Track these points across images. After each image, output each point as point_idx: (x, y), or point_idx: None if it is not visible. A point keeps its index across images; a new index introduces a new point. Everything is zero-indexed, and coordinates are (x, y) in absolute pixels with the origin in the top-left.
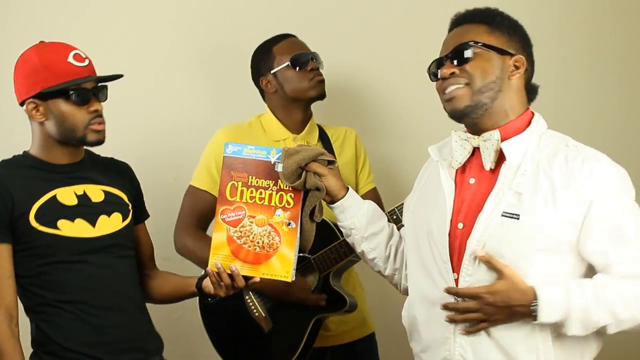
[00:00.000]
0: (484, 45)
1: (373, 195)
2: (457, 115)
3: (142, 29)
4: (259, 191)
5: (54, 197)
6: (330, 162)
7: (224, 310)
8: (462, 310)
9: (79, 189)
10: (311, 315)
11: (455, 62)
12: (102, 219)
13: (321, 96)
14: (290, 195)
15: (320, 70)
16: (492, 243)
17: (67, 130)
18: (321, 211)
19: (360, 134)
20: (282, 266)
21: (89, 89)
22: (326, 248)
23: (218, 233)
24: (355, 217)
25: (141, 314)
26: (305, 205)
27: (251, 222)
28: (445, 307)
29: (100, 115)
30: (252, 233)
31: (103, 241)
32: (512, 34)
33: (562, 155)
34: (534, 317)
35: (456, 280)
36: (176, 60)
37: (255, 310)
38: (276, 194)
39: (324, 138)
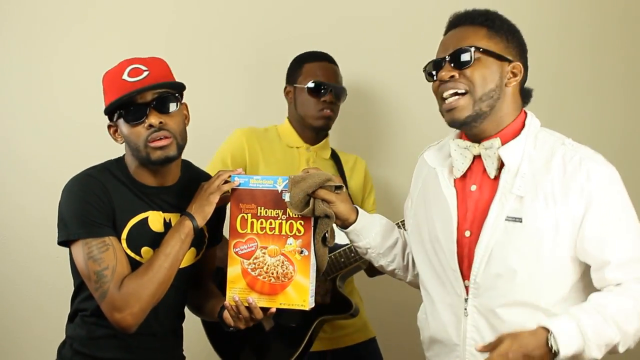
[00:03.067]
0: (484, 50)
1: None
2: (456, 125)
3: (160, 31)
4: (268, 221)
5: (146, 219)
6: (338, 187)
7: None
8: None
9: (167, 216)
10: (315, 315)
11: (454, 65)
12: None
13: (323, 129)
14: (300, 223)
15: (339, 104)
16: (498, 249)
17: (134, 151)
18: (333, 236)
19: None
20: (298, 295)
21: (141, 104)
22: (335, 252)
23: (233, 267)
24: (369, 237)
25: (176, 340)
26: (316, 233)
27: (264, 253)
28: None
29: (160, 130)
30: (265, 264)
31: (176, 274)
32: (510, 40)
33: (559, 154)
34: (554, 354)
35: (467, 288)
36: (192, 64)
37: None
38: (286, 222)
39: (335, 159)
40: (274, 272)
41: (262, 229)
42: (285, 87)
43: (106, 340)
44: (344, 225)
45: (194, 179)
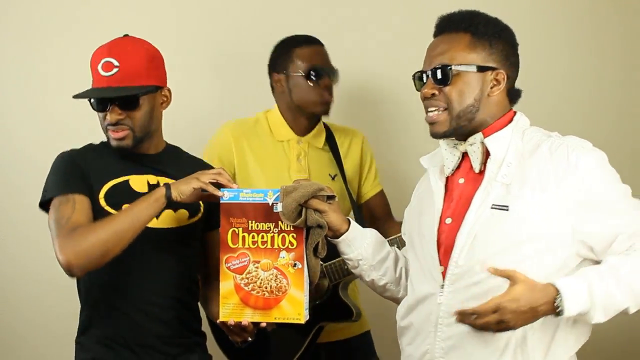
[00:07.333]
0: (464, 65)
1: (380, 199)
2: (437, 137)
3: (147, 23)
4: (260, 235)
5: (127, 181)
6: (330, 197)
7: None
8: (483, 327)
9: (153, 179)
10: (316, 321)
11: (434, 81)
12: (167, 212)
13: (323, 114)
14: (293, 236)
15: (334, 87)
16: (482, 235)
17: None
18: (325, 247)
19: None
20: (293, 308)
21: (106, 99)
22: (340, 258)
23: (225, 282)
24: (361, 247)
25: (187, 312)
26: (307, 243)
27: (256, 267)
28: (462, 321)
29: (117, 124)
30: (258, 278)
31: (162, 235)
32: (494, 44)
33: (545, 146)
34: (559, 313)
35: (443, 273)
36: (181, 54)
37: None
38: (278, 235)
39: (331, 142)
40: (267, 287)
41: (253, 242)
42: (273, 76)
43: (111, 317)
44: (335, 235)
45: (176, 154)
